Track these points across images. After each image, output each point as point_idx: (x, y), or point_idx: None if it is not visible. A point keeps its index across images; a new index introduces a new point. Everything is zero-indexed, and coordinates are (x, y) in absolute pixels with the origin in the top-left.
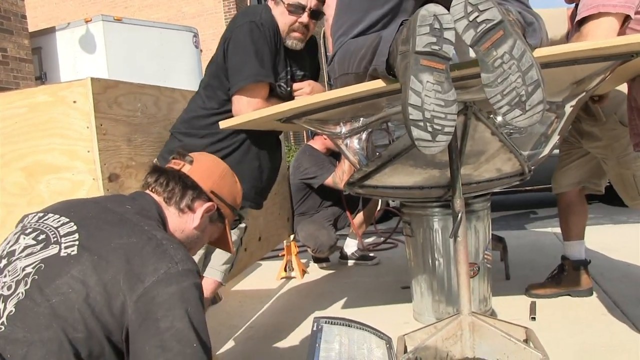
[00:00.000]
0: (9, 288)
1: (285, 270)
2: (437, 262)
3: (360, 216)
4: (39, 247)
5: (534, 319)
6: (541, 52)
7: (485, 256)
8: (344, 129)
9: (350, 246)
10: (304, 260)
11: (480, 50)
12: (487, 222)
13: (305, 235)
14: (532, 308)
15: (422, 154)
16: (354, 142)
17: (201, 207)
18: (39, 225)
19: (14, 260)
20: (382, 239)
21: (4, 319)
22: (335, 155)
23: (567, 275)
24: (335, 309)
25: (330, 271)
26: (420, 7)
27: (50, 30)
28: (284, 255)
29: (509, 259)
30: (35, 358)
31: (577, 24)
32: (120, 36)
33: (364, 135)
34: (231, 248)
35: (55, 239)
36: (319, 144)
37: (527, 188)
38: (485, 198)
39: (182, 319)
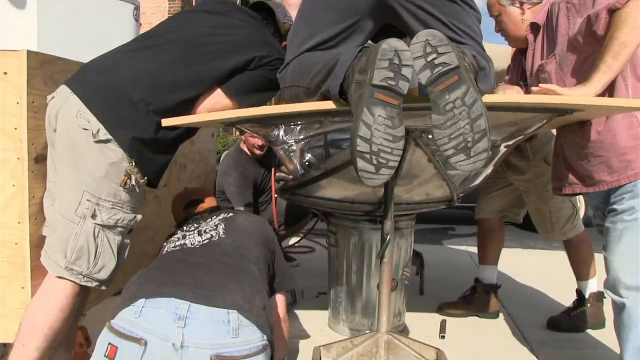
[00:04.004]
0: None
1: None
2: (356, 275)
3: (290, 230)
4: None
5: (443, 337)
6: (490, 98)
7: (405, 273)
8: (283, 136)
9: None
10: None
11: (434, 91)
12: (410, 239)
13: None
14: (443, 326)
15: None
16: (292, 149)
17: None
18: None
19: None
20: (298, 238)
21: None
22: (266, 157)
23: (478, 297)
24: None
25: None
26: (381, 39)
27: None
28: None
29: (424, 274)
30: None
31: (605, 13)
32: None
33: (301, 144)
34: None
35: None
36: (249, 144)
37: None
38: (410, 217)
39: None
